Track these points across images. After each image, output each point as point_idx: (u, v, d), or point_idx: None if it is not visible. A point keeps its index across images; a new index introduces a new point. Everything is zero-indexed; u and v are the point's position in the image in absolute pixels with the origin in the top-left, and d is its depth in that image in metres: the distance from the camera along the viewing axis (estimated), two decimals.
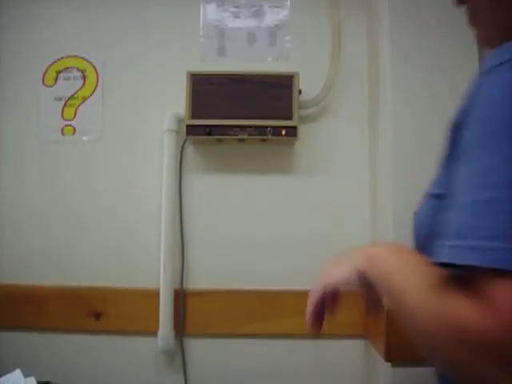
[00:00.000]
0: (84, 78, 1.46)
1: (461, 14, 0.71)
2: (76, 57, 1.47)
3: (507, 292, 0.40)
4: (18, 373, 0.99)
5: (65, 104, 1.45)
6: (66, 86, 1.46)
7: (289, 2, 1.45)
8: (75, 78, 1.46)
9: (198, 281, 1.41)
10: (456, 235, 0.45)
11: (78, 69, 1.46)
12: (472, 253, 0.43)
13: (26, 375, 1.00)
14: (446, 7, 1.36)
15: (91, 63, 1.46)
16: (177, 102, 1.39)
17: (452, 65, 1.35)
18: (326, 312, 0.66)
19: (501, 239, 0.42)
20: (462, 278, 0.44)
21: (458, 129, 0.53)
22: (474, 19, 0.64)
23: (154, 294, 1.35)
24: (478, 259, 0.42)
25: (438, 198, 0.58)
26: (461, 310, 0.42)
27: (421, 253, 0.60)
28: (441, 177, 0.60)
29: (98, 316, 1.38)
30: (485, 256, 0.42)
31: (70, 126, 1.45)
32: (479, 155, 0.46)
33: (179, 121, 1.40)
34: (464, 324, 0.41)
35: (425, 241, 0.60)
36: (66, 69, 1.46)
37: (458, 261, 0.44)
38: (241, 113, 1.33)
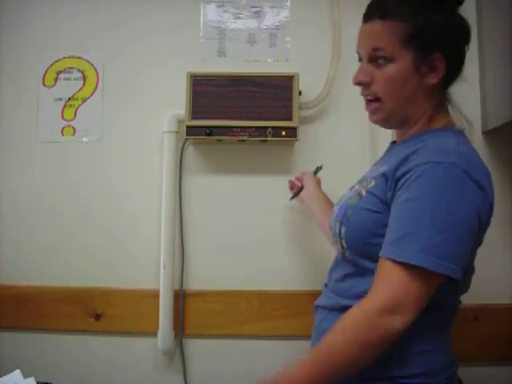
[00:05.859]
0: (84, 78, 1.46)
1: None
2: (76, 57, 1.47)
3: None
4: (17, 373, 0.99)
5: (65, 104, 1.46)
6: (66, 87, 1.46)
7: (289, 3, 1.46)
8: (75, 78, 1.46)
9: (197, 281, 1.41)
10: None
11: (78, 69, 1.46)
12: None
13: (25, 375, 1.00)
14: None
15: (91, 64, 1.46)
16: (177, 103, 1.39)
17: None
18: None
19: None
20: None
21: (396, 178, 0.78)
22: None
23: (154, 295, 1.36)
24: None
25: (373, 213, 0.81)
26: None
27: (351, 250, 0.84)
28: (371, 198, 0.82)
29: (98, 316, 1.38)
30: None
31: (70, 126, 1.45)
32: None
33: (179, 121, 1.40)
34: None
35: (360, 243, 0.82)
36: (66, 69, 1.46)
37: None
38: (241, 114, 1.33)
